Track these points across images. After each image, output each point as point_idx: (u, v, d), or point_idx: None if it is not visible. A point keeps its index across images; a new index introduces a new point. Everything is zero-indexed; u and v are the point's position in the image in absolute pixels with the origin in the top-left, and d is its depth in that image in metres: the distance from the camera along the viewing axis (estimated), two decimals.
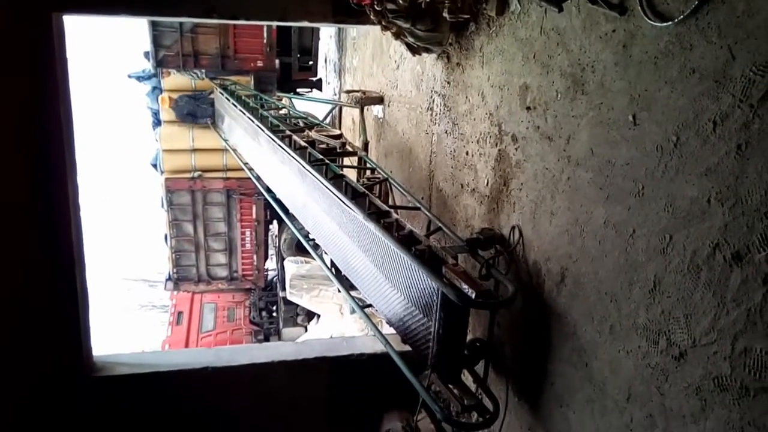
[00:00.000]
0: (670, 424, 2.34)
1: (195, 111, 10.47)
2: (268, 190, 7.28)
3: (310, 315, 12.30)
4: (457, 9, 3.73)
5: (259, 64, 10.63)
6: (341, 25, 7.89)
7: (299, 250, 11.90)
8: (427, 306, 3.40)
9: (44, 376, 4.64)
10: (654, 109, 2.30)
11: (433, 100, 4.86)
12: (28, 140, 4.29)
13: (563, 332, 3.06)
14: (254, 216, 12.03)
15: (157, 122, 11.17)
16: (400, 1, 3.94)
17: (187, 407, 4.95)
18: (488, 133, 3.82)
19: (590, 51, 2.70)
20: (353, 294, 5.44)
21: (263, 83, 10.72)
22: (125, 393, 4.90)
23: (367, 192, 4.28)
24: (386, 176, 4.74)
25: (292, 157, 5.22)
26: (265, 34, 10.49)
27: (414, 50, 4.42)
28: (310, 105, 12.05)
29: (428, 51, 4.43)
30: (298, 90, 12.53)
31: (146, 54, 10.28)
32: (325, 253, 5.80)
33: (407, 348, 3.89)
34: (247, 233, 12.11)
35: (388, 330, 4.37)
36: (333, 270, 5.72)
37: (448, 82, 4.47)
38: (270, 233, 13.34)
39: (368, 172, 5.25)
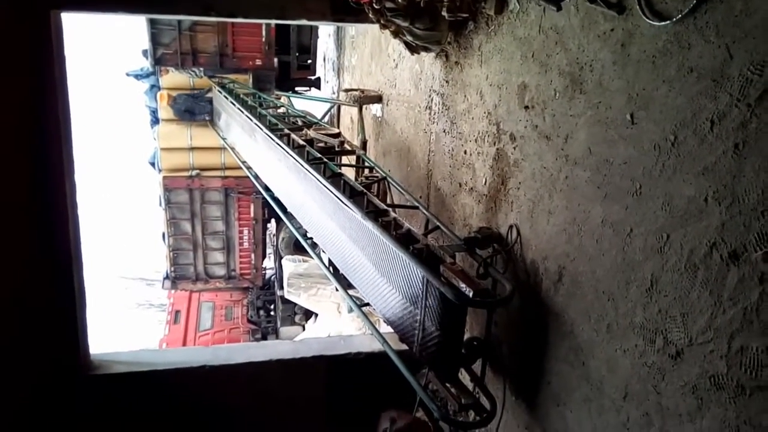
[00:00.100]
0: (667, 423, 2.35)
1: (193, 108, 10.46)
2: (267, 189, 7.28)
3: (308, 314, 12.30)
4: (456, 8, 3.72)
5: (258, 62, 10.61)
6: (340, 24, 7.90)
7: (297, 248, 11.90)
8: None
9: (42, 374, 4.63)
10: (652, 108, 2.31)
11: (432, 99, 4.86)
12: (26, 138, 4.28)
13: (560, 331, 3.07)
14: (252, 215, 12.02)
15: (155, 120, 11.16)
16: (399, 0, 3.94)
17: (184, 406, 4.94)
18: (486, 132, 3.82)
19: (588, 50, 2.70)
20: (351, 293, 5.44)
21: (262, 82, 10.71)
22: (122, 391, 4.89)
23: (365, 191, 4.28)
24: (384, 175, 4.74)
25: (291, 155, 5.22)
26: (263, 33, 10.48)
27: (413, 49, 4.42)
28: (308, 103, 12.06)
29: (427, 50, 4.43)
30: (296, 88, 12.51)
31: (144, 52, 10.26)
32: (323, 251, 5.80)
33: (405, 347, 3.89)
34: (245, 232, 12.10)
35: (385, 329, 4.38)
36: (331, 269, 5.73)
37: (447, 81, 4.47)
38: (268, 232, 13.34)
39: (366, 171, 5.25)
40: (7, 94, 4.00)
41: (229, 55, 10.45)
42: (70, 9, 4.47)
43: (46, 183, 4.41)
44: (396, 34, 4.25)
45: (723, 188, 1.99)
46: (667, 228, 2.27)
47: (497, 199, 3.73)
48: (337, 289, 8.77)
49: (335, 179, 4.58)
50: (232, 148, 9.07)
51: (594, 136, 2.69)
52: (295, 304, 12.05)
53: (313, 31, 11.91)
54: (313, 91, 12.98)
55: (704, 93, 2.05)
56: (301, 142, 5.32)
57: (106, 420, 4.83)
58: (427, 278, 3.28)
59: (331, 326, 10.27)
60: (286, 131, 5.71)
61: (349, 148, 5.44)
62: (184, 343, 12.21)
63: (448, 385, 3.55)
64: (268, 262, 14.09)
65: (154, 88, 10.98)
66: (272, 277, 13.76)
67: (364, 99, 6.96)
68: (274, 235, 13.19)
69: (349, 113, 9.21)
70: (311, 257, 8.81)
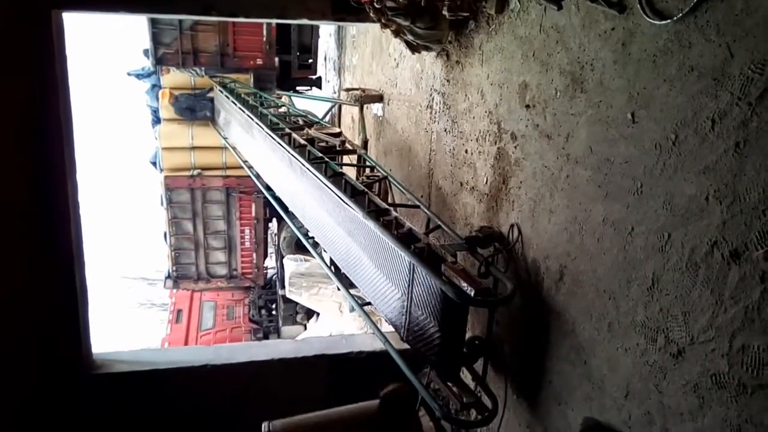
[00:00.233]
0: (668, 422, 2.35)
1: (194, 106, 10.47)
2: (268, 188, 7.28)
3: (310, 313, 12.30)
4: (457, 7, 3.72)
5: (259, 62, 10.61)
6: (341, 23, 7.89)
7: (298, 248, 11.90)
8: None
9: (44, 373, 4.65)
10: (653, 107, 2.31)
11: (433, 98, 4.86)
12: (28, 138, 4.29)
13: (562, 330, 3.07)
14: (254, 214, 12.02)
15: (157, 120, 11.16)
16: None
17: (186, 405, 4.95)
18: (487, 131, 3.82)
19: (589, 49, 2.70)
20: (352, 292, 5.43)
21: (263, 81, 10.71)
22: (124, 390, 4.90)
23: (366, 190, 4.28)
24: (386, 174, 4.75)
25: (292, 155, 5.22)
26: (264, 32, 10.48)
27: (413, 48, 4.41)
28: (309, 103, 12.05)
29: (428, 49, 4.43)
30: (297, 88, 12.51)
31: (146, 52, 10.27)
32: (325, 251, 5.81)
33: (406, 346, 3.90)
34: (247, 231, 12.10)
35: (387, 328, 4.38)
36: (332, 268, 5.72)
37: (448, 80, 4.47)
38: (269, 231, 13.34)
39: (368, 170, 5.25)
40: (9, 93, 4.01)
41: (230, 55, 10.45)
42: (71, 8, 4.48)
43: (47, 183, 4.42)
44: (397, 33, 4.25)
45: (724, 187, 1.99)
46: (668, 227, 2.27)
47: (498, 198, 3.73)
48: (338, 289, 8.77)
49: (336, 178, 4.59)
50: (234, 148, 9.07)
51: (595, 135, 2.69)
52: (297, 304, 12.06)
53: (314, 31, 11.91)
54: (314, 91, 12.99)
55: (705, 92, 2.05)
56: (302, 142, 5.32)
57: (108, 419, 4.85)
58: (428, 277, 3.28)
59: (333, 325, 10.27)
60: (287, 130, 5.72)
61: (350, 147, 5.45)
62: (186, 343, 12.23)
63: (449, 384, 3.55)
64: (270, 262, 14.10)
65: (155, 87, 10.99)
66: (274, 277, 13.77)
67: (365, 98, 6.95)
68: (275, 235, 13.20)
69: (350, 113, 9.21)
70: (313, 256, 8.81)
